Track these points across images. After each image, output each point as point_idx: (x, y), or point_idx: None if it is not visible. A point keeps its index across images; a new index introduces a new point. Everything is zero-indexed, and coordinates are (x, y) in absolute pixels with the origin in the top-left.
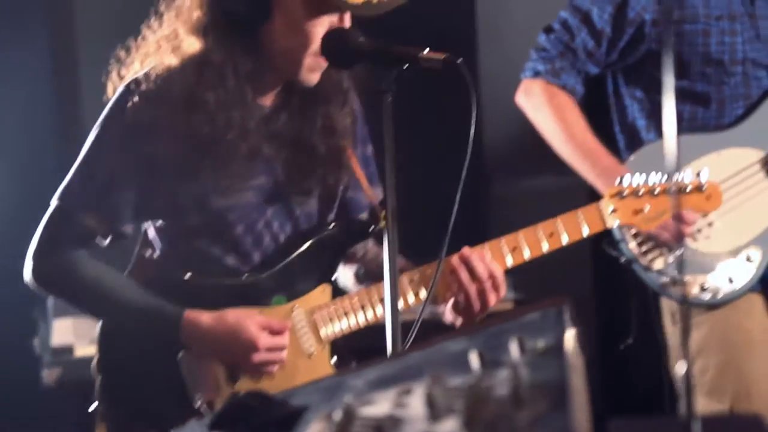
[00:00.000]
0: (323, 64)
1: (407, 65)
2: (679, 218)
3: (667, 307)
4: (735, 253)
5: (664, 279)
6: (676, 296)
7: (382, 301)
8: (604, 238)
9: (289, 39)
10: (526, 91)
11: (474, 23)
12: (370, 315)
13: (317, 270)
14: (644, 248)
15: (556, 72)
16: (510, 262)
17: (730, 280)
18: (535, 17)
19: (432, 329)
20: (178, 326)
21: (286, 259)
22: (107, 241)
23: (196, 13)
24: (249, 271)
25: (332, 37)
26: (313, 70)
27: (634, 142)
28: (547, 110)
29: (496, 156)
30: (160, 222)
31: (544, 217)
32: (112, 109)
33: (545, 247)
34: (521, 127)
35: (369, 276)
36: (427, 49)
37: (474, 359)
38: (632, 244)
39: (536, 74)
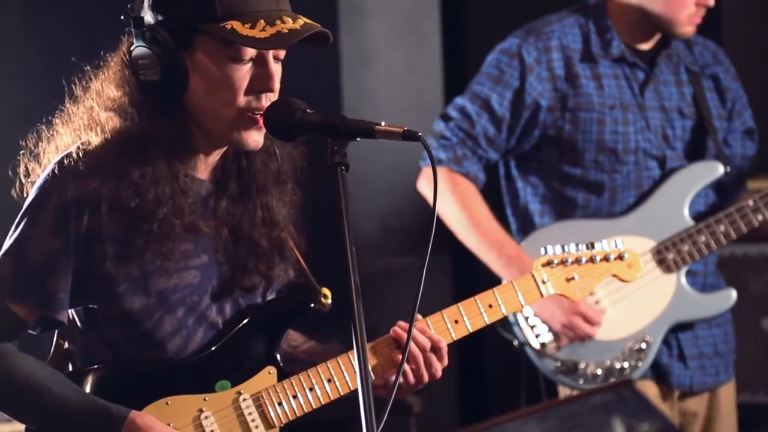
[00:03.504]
0: (259, 122)
1: (361, 138)
2: (585, 318)
3: (563, 394)
4: (627, 340)
5: (557, 364)
6: (567, 382)
7: (329, 381)
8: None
9: (211, 97)
10: (429, 179)
11: (340, 104)
12: (320, 395)
13: (260, 350)
14: (536, 332)
15: (458, 160)
16: (454, 335)
17: (623, 368)
18: (397, 99)
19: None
20: (120, 429)
21: (226, 338)
22: (38, 331)
23: (115, 93)
24: (190, 355)
25: (275, 109)
26: (247, 128)
27: (527, 226)
28: (450, 198)
29: (359, 236)
30: (90, 307)
31: (408, 295)
32: (40, 191)
33: (486, 319)
34: (385, 207)
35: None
36: (383, 122)
37: None
38: (525, 328)
39: (438, 162)
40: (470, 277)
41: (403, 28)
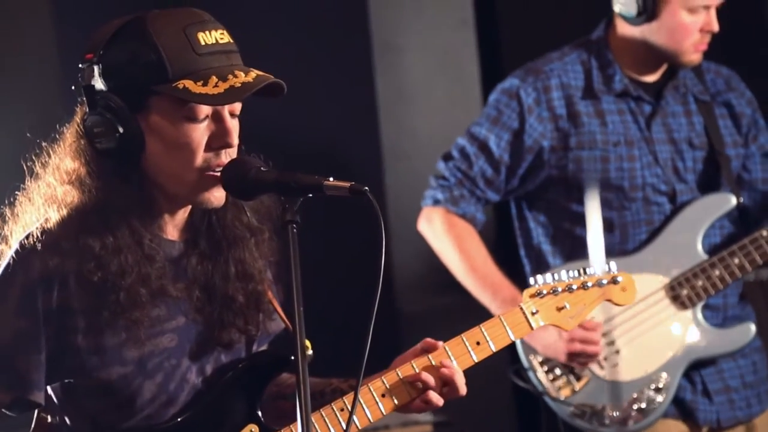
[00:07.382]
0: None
1: (312, 194)
2: (582, 341)
3: None
4: (644, 381)
5: (572, 409)
6: (585, 426)
7: None
8: (511, 366)
9: (170, 159)
10: (427, 219)
11: (379, 143)
12: None
13: (241, 408)
14: (551, 376)
15: (455, 200)
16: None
17: (641, 409)
18: (438, 135)
19: None
20: None
21: (207, 399)
22: (15, 411)
23: (71, 165)
24: (170, 418)
25: (230, 169)
26: (209, 187)
27: (541, 266)
28: (447, 240)
29: (404, 274)
30: (67, 381)
31: (454, 334)
32: (4, 271)
33: (474, 358)
34: (428, 244)
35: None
36: (332, 177)
37: None
38: (540, 373)
39: (436, 202)
40: None
41: (440, 63)
